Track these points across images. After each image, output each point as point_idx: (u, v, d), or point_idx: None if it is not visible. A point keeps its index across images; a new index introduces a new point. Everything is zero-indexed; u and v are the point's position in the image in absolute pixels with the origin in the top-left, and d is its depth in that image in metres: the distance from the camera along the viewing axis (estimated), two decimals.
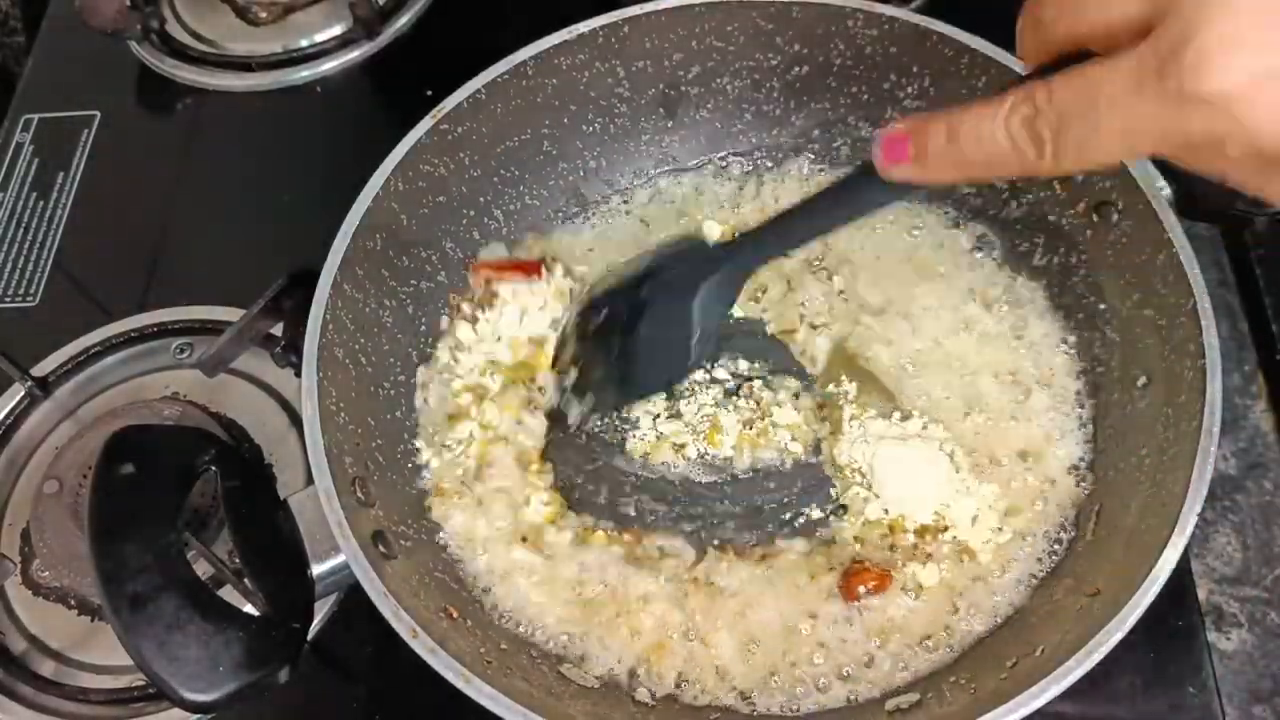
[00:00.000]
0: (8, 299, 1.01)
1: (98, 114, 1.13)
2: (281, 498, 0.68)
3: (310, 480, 0.65)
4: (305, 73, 1.13)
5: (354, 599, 0.74)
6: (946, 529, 0.75)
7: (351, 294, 0.75)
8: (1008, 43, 0.79)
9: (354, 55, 1.13)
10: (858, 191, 0.62)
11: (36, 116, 1.13)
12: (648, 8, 0.83)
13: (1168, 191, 0.74)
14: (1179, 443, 0.66)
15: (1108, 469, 0.75)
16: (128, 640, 0.59)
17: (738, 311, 0.87)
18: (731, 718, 0.70)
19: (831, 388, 0.83)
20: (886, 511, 0.76)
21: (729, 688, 0.71)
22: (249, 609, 0.63)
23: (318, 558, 0.65)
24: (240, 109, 1.12)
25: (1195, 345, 0.67)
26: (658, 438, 0.82)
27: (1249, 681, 0.77)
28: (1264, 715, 0.76)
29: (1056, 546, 0.74)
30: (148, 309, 0.97)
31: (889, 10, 0.81)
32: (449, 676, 0.60)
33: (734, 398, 0.83)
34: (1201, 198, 0.74)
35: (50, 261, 1.03)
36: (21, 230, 1.05)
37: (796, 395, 0.83)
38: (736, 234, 0.71)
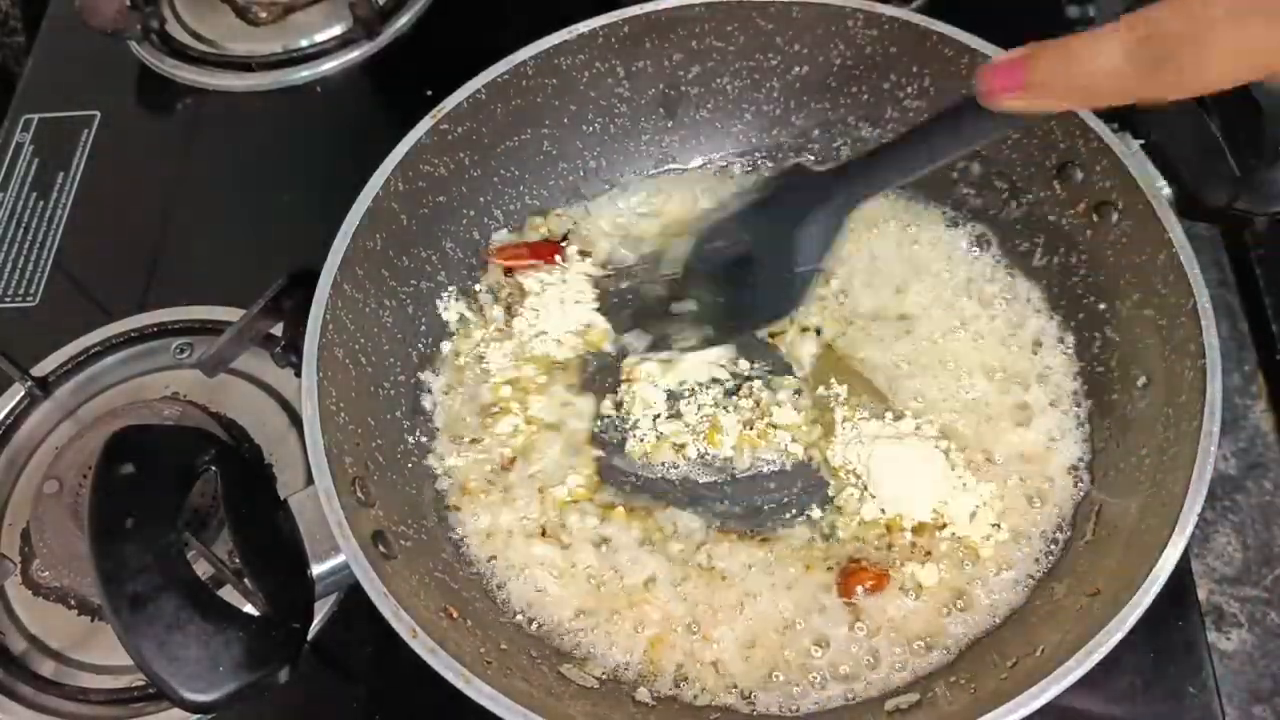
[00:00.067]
0: (8, 299, 1.01)
1: (98, 114, 1.13)
2: (281, 498, 0.68)
3: (310, 480, 0.65)
4: (305, 73, 1.13)
5: (354, 599, 0.74)
6: (944, 526, 0.75)
7: (351, 294, 0.75)
8: (1008, 43, 0.79)
9: (354, 55, 1.13)
10: (961, 123, 0.62)
11: (36, 116, 1.13)
12: (648, 8, 0.84)
13: (1168, 191, 0.74)
14: (1179, 443, 0.66)
15: (1107, 469, 0.75)
16: (128, 640, 0.59)
17: None
18: (731, 717, 0.70)
19: (821, 390, 0.83)
20: (883, 511, 0.76)
21: (729, 686, 0.71)
22: (249, 609, 0.63)
23: (318, 558, 0.65)
24: (240, 109, 1.12)
25: (1195, 345, 0.67)
26: (658, 438, 0.82)
27: (1249, 681, 0.77)
28: (1264, 715, 0.76)
29: (1054, 546, 0.74)
30: (148, 309, 0.97)
31: (889, 10, 0.81)
32: (449, 676, 0.60)
33: (734, 397, 0.83)
34: (1201, 198, 0.74)
35: (50, 261, 1.03)
36: (21, 230, 1.05)
37: (798, 393, 0.83)
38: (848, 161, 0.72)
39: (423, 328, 0.84)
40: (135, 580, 0.60)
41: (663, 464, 0.81)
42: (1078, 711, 0.71)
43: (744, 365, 0.85)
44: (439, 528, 0.78)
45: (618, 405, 0.83)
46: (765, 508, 0.79)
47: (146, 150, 1.11)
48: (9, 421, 0.92)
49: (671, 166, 0.93)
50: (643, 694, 0.71)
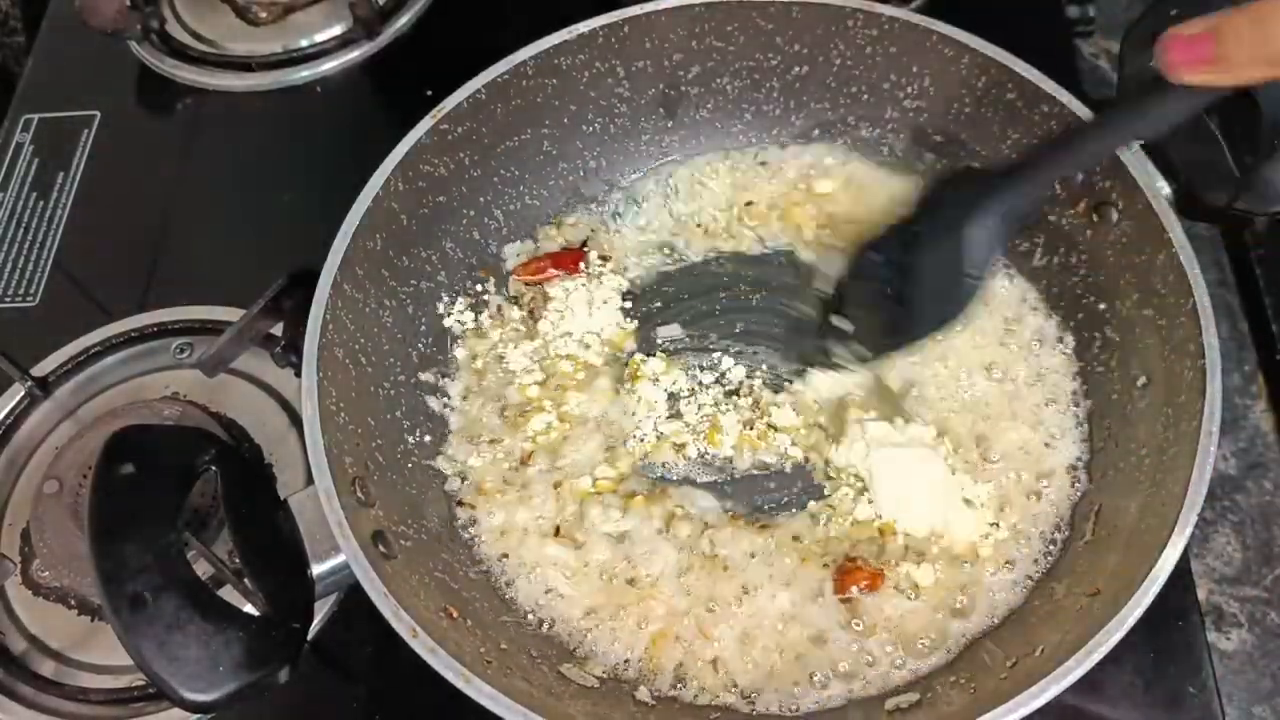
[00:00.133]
0: (8, 299, 1.01)
1: (98, 114, 1.13)
2: (281, 498, 0.68)
3: (310, 480, 0.65)
4: (305, 73, 1.13)
5: (354, 599, 0.74)
6: (941, 537, 0.75)
7: (351, 294, 0.75)
8: (1007, 43, 0.79)
9: (354, 55, 1.13)
10: (1143, 107, 0.59)
11: (36, 116, 1.13)
12: (648, 8, 0.84)
13: (1168, 191, 0.74)
14: (1179, 443, 0.66)
15: (1107, 469, 0.75)
16: (128, 640, 0.59)
17: None
18: (732, 717, 0.70)
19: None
20: (879, 516, 0.76)
21: (729, 685, 0.71)
22: (249, 609, 0.63)
23: (318, 558, 0.65)
24: (240, 109, 1.12)
25: (1195, 345, 0.68)
26: (658, 438, 0.82)
27: (1249, 681, 0.77)
28: (1264, 715, 0.76)
29: (1054, 546, 0.74)
30: (148, 309, 0.97)
31: (889, 10, 0.81)
32: (449, 676, 0.60)
33: (734, 398, 0.83)
34: (1201, 198, 0.74)
35: (50, 261, 1.03)
36: (21, 230, 1.05)
37: (797, 390, 0.83)
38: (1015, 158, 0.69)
39: (423, 328, 0.84)
40: (135, 580, 0.60)
41: (663, 464, 0.81)
42: (1078, 711, 0.71)
43: (740, 371, 0.85)
44: (446, 527, 0.78)
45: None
46: (765, 508, 0.79)
47: (146, 150, 1.11)
48: (9, 421, 0.92)
49: (672, 166, 0.93)
50: (643, 693, 0.71)
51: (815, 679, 0.71)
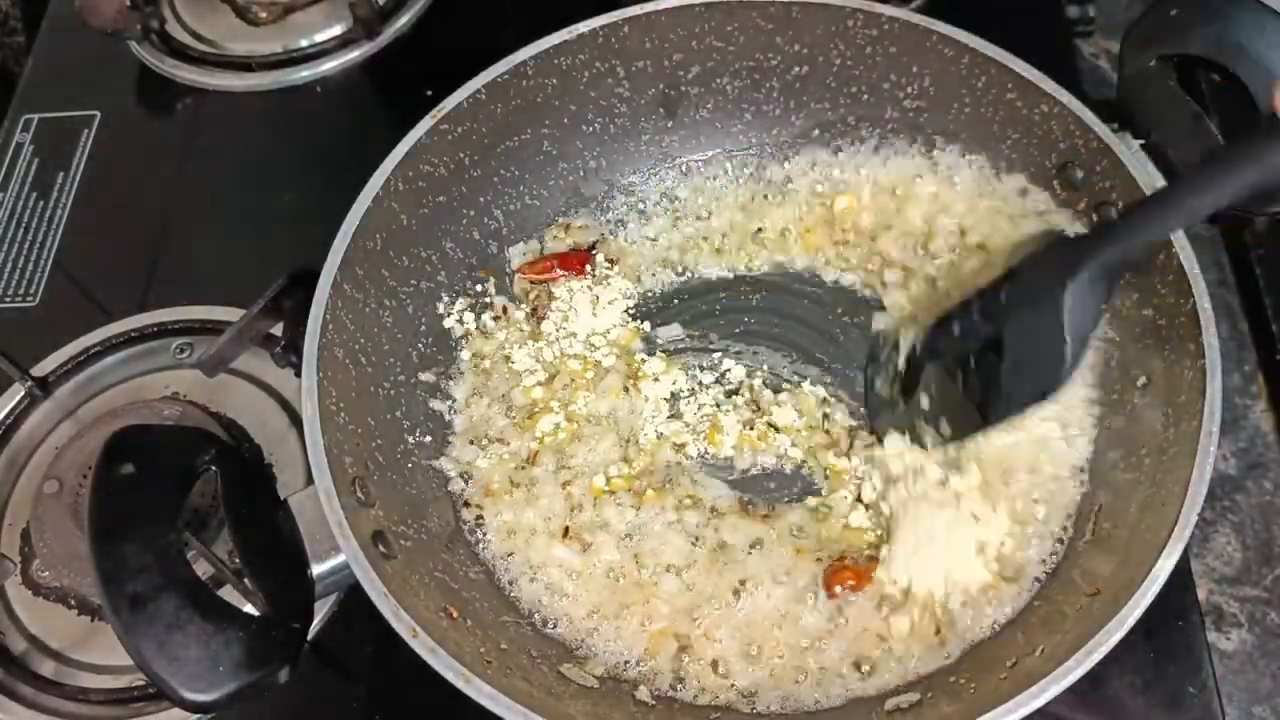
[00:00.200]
0: (8, 299, 1.01)
1: (98, 114, 1.13)
2: (281, 498, 0.68)
3: (310, 480, 0.65)
4: (305, 73, 1.13)
5: (354, 599, 0.74)
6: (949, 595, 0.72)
7: (351, 294, 0.75)
8: (1007, 43, 0.79)
9: (354, 55, 1.13)
10: (1253, 155, 0.54)
11: (36, 116, 1.13)
12: (648, 8, 0.84)
13: None
14: (1179, 443, 0.66)
15: (1108, 469, 0.75)
16: (128, 640, 0.59)
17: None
18: (732, 717, 0.70)
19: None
20: (895, 580, 0.73)
21: (728, 685, 0.71)
22: (249, 609, 0.63)
23: (318, 558, 0.65)
24: (240, 109, 1.12)
25: (1195, 345, 0.68)
26: (658, 438, 0.82)
27: (1249, 681, 0.77)
28: (1264, 715, 0.76)
29: (1059, 545, 0.74)
30: (148, 309, 0.97)
31: (889, 10, 0.81)
32: (449, 676, 0.60)
33: (734, 398, 0.83)
34: None
35: (50, 261, 1.03)
36: (21, 230, 1.05)
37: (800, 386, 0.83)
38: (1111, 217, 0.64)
39: (423, 328, 0.84)
40: (135, 580, 0.60)
41: (666, 464, 0.81)
42: (1079, 711, 0.71)
43: (741, 370, 0.85)
44: (449, 527, 0.78)
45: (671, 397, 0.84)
46: (767, 500, 0.79)
47: (146, 150, 1.11)
48: (9, 421, 0.92)
49: (671, 166, 0.93)
50: (643, 693, 0.71)
51: (814, 679, 0.71)
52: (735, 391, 0.84)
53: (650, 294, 0.89)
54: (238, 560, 0.65)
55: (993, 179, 0.84)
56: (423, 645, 0.61)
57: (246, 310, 0.82)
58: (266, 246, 1.01)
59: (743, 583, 0.74)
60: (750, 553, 0.76)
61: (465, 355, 0.86)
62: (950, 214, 0.85)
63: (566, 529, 0.77)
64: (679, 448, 0.81)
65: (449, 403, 0.84)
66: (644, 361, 0.85)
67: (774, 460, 0.81)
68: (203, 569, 0.71)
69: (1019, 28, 0.83)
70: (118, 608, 0.59)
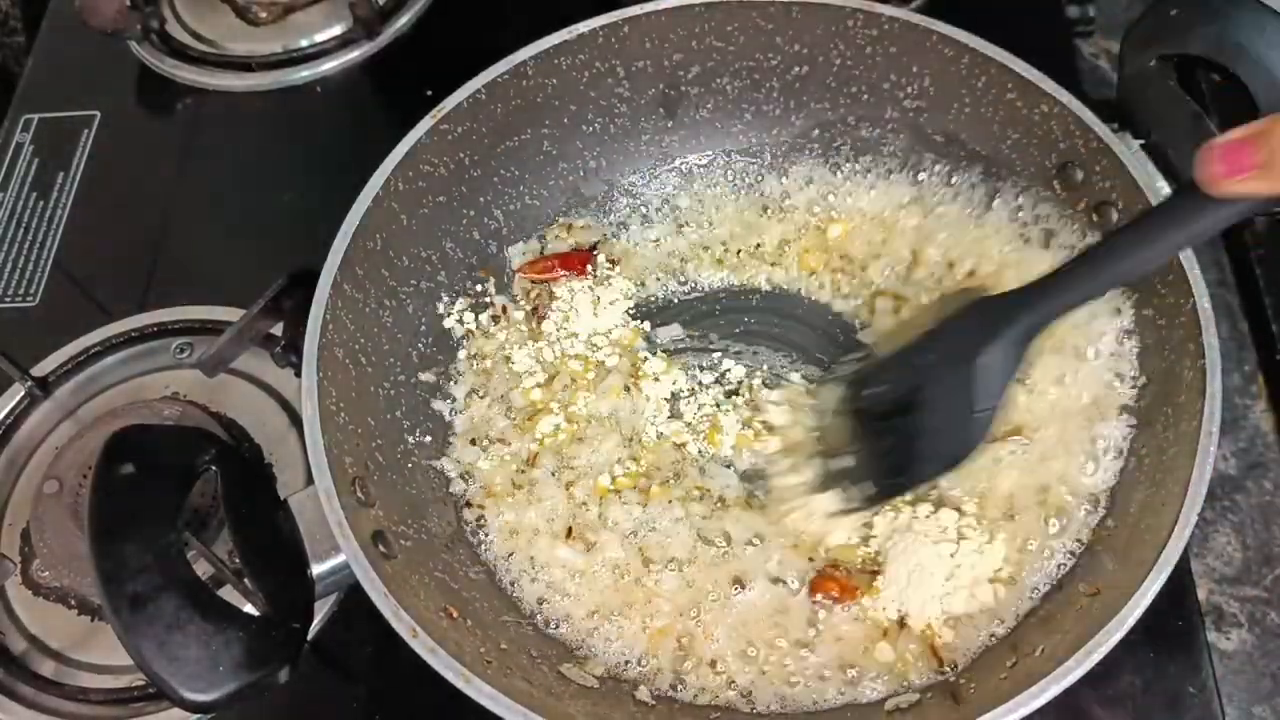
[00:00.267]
0: (8, 299, 1.01)
1: (98, 114, 1.13)
2: (281, 498, 0.68)
3: (310, 480, 0.65)
4: (305, 73, 1.13)
5: (354, 599, 0.74)
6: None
7: (351, 294, 0.75)
8: (1007, 43, 0.79)
9: (354, 55, 1.13)
10: (1177, 220, 0.55)
11: (36, 116, 1.13)
12: (648, 8, 0.84)
13: (1168, 191, 0.74)
14: (1179, 443, 0.66)
15: (1107, 469, 0.75)
16: (128, 640, 0.59)
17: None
18: (732, 717, 0.70)
19: None
20: (884, 608, 0.72)
21: (728, 684, 0.71)
22: (249, 609, 0.63)
23: (318, 558, 0.65)
24: (240, 109, 1.12)
25: (1195, 345, 0.67)
26: (658, 437, 0.82)
27: (1249, 681, 0.77)
28: (1264, 715, 0.76)
29: (1065, 562, 0.73)
30: (148, 309, 0.97)
31: (889, 10, 0.81)
32: (449, 676, 0.60)
33: (734, 398, 0.83)
34: None
35: (50, 261, 1.03)
36: (21, 230, 1.05)
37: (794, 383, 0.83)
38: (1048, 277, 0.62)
39: (423, 328, 0.84)
40: (135, 580, 0.60)
41: (672, 461, 0.81)
42: (1077, 711, 0.71)
43: (742, 371, 0.85)
44: (450, 527, 0.78)
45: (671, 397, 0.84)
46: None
47: (146, 150, 1.11)
48: (9, 421, 0.92)
49: (671, 167, 0.93)
50: (643, 693, 0.71)
51: (814, 678, 0.71)
52: (735, 391, 0.84)
53: (651, 296, 0.89)
54: (238, 560, 0.65)
55: (981, 208, 0.84)
56: (423, 645, 0.61)
57: (246, 310, 0.82)
58: (266, 246, 1.01)
59: (739, 579, 0.74)
60: (748, 547, 0.76)
61: (465, 355, 0.86)
62: (936, 244, 0.85)
63: (570, 530, 0.77)
64: (679, 447, 0.81)
65: (449, 403, 0.84)
66: (645, 360, 0.85)
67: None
68: (203, 569, 0.71)
69: (1019, 28, 0.83)
70: (118, 608, 0.59)
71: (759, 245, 0.90)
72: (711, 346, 0.87)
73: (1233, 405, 0.88)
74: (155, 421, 0.86)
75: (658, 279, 0.89)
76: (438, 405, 0.83)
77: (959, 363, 0.64)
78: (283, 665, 0.61)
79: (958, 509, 0.74)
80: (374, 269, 0.78)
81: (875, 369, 0.74)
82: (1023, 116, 0.79)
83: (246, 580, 0.64)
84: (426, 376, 0.84)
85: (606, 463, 0.80)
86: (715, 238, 0.91)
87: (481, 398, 0.84)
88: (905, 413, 0.68)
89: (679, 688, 0.71)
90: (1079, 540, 0.72)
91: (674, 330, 0.87)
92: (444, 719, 0.71)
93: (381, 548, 0.67)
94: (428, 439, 0.81)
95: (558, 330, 0.86)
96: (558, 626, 0.74)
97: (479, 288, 0.88)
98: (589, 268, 0.89)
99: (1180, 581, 0.75)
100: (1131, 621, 0.59)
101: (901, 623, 0.71)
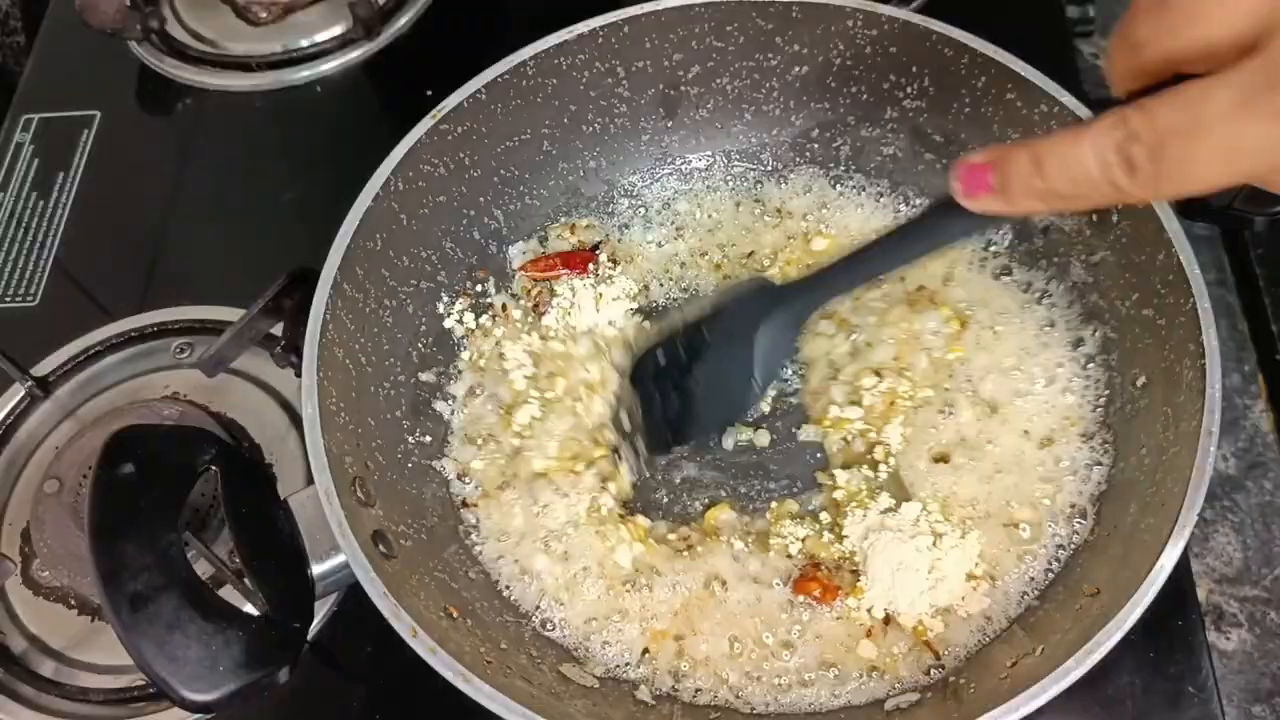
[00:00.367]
0: (8, 299, 1.01)
1: (98, 114, 1.13)
2: (281, 498, 0.68)
3: (310, 480, 0.65)
4: (305, 73, 1.13)
5: (354, 599, 0.74)
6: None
7: (351, 294, 0.75)
8: (1007, 43, 0.79)
9: (354, 55, 1.13)
10: (936, 224, 0.61)
11: (36, 116, 1.13)
12: (648, 8, 0.84)
13: None
14: (1179, 443, 0.66)
15: (1107, 469, 0.75)
16: (128, 640, 0.59)
17: None
18: (731, 717, 0.70)
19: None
20: (870, 607, 0.72)
21: (727, 684, 0.71)
22: (249, 609, 0.63)
23: (318, 558, 0.65)
24: (240, 109, 1.12)
25: (1195, 345, 0.67)
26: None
27: (1249, 681, 0.77)
28: (1264, 715, 0.76)
29: (1060, 549, 0.74)
30: (148, 309, 0.97)
31: (889, 10, 0.81)
32: (449, 676, 0.60)
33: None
34: (1201, 198, 0.74)
35: (50, 261, 1.03)
36: (21, 230, 1.05)
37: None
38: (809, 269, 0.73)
39: (423, 328, 0.84)
40: (135, 580, 0.60)
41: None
42: (1078, 711, 0.71)
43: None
44: (448, 527, 0.78)
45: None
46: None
47: (146, 150, 1.11)
48: (9, 421, 0.92)
49: (671, 167, 0.93)
50: (643, 693, 0.71)
51: (814, 678, 0.70)
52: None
53: (652, 297, 0.89)
54: (238, 560, 0.65)
55: None
56: (423, 645, 0.61)
57: (246, 310, 0.82)
58: (266, 246, 1.01)
59: (721, 577, 0.74)
60: (733, 543, 0.76)
61: (465, 355, 0.86)
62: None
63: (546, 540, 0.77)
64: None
65: (449, 402, 0.84)
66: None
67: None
68: (203, 569, 0.71)
69: (1019, 28, 0.83)
70: (118, 608, 0.59)
71: (752, 253, 0.90)
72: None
73: (1233, 405, 0.88)
74: (155, 421, 0.86)
75: (660, 284, 0.89)
76: (438, 405, 0.83)
77: (743, 335, 0.73)
78: (283, 665, 0.61)
79: (922, 505, 0.74)
80: (374, 269, 0.78)
81: (662, 340, 0.79)
82: (1023, 116, 0.79)
83: (246, 580, 0.64)
84: (426, 376, 0.84)
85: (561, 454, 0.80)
86: (714, 242, 0.91)
87: (477, 395, 0.84)
88: (685, 375, 0.76)
89: (679, 687, 0.71)
90: (1059, 546, 0.73)
91: None
92: (444, 719, 0.71)
93: (381, 548, 0.67)
94: (427, 439, 0.81)
95: (558, 324, 0.86)
96: (555, 629, 0.74)
97: (479, 288, 0.88)
98: (591, 266, 0.89)
99: (1180, 581, 0.75)
100: (1131, 621, 0.59)
101: (888, 620, 0.71)
